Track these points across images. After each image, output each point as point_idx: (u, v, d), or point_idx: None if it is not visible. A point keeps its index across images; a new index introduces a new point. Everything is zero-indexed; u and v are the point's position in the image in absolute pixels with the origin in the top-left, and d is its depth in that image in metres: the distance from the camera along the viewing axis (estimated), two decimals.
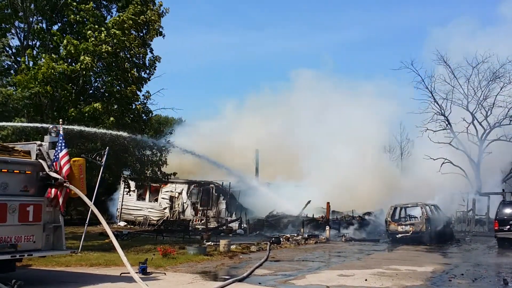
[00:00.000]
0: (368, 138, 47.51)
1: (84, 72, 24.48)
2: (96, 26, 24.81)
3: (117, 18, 25.30)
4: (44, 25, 26.91)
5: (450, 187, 39.93)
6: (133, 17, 25.43)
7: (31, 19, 26.33)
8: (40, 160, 14.48)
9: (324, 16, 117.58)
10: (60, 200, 14.23)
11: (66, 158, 14.49)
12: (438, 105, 48.06)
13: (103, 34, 24.45)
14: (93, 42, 24.22)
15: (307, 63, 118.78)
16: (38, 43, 26.80)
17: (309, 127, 53.48)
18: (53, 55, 24.66)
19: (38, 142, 15.05)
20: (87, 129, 22.71)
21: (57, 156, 14.47)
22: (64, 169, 14.31)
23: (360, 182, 42.59)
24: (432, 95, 48.47)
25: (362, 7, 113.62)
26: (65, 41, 24.32)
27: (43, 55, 24.90)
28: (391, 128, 55.25)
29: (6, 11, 25.90)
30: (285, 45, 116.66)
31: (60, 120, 16.58)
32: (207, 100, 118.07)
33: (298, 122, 56.03)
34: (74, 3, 25.03)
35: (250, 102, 66.86)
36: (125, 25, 25.07)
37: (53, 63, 23.64)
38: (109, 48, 24.39)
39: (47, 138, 15.13)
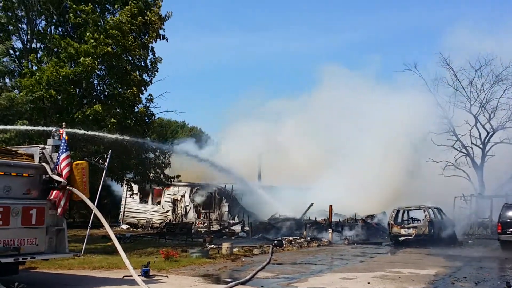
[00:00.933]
0: (373, 141, 47.40)
1: (85, 75, 24.55)
2: (95, 28, 24.88)
3: (115, 19, 25.35)
4: (49, 29, 27.03)
5: (452, 190, 39.82)
6: (129, 18, 25.45)
7: (35, 22, 26.44)
8: (43, 163, 14.47)
9: (325, 17, 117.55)
10: (62, 203, 14.22)
11: (67, 161, 14.47)
12: (441, 107, 48.00)
13: (102, 36, 24.50)
14: (93, 44, 24.28)
15: (309, 65, 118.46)
16: (41, 46, 26.90)
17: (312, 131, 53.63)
18: (55, 58, 24.73)
19: (41, 145, 15.05)
20: (90, 132, 22.74)
21: (59, 159, 14.48)
22: (64, 172, 14.30)
23: (364, 184, 42.49)
24: (435, 98, 48.41)
25: (363, 8, 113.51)
26: (62, 43, 24.39)
27: (47, 58, 25.00)
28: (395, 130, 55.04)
29: (10, 14, 26.00)
30: (286, 46, 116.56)
31: (63, 123, 16.60)
32: (209, 102, 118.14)
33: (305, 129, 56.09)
34: (74, 6, 25.08)
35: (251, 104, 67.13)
36: (123, 27, 25.12)
37: (57, 67, 23.71)
38: (109, 49, 24.46)
39: (50, 141, 15.15)
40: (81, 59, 23.89)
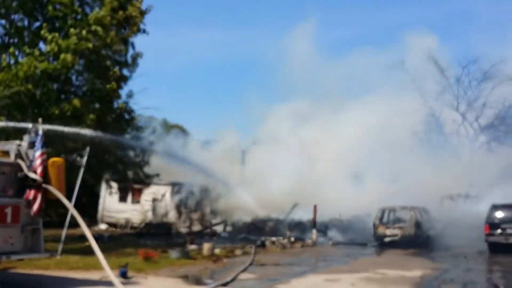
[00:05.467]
0: (357, 138, 47.24)
1: (65, 71, 24.08)
2: (78, 22, 24.47)
3: (97, 14, 24.96)
4: (26, 22, 26.47)
5: (439, 190, 39.67)
6: (110, 12, 25.10)
7: (13, 16, 25.89)
8: (19, 160, 14.08)
9: (316, 14, 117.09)
10: (37, 202, 13.79)
11: (41, 158, 14.06)
12: (428, 106, 48.11)
13: (84, 31, 24.08)
14: (74, 41, 23.82)
15: (299, 63, 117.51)
16: (18, 41, 26.33)
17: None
18: (35, 51, 24.23)
19: (17, 142, 14.66)
20: (67, 129, 22.26)
21: (35, 156, 14.06)
22: (39, 170, 13.87)
23: (347, 183, 42.37)
24: (423, 96, 48.51)
25: (354, 5, 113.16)
26: (50, 37, 23.89)
27: (27, 50, 24.45)
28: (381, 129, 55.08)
29: None
30: (277, 43, 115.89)
31: (40, 119, 16.11)
32: (192, 100, 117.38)
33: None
34: None
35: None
36: (104, 22, 24.74)
37: (36, 62, 23.22)
38: (90, 45, 24.03)
39: (26, 137, 14.69)
40: (62, 55, 23.42)
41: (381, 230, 31.55)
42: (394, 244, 30.32)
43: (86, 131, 22.74)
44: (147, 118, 41.12)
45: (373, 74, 58.88)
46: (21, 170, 13.92)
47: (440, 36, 59.61)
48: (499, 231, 26.89)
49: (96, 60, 25.07)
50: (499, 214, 27.52)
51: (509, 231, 26.77)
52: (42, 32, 24.24)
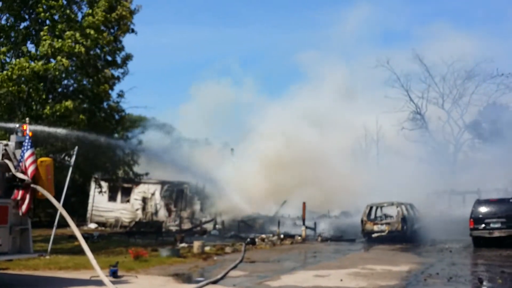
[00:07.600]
0: (343, 137, 47.39)
1: (57, 72, 24.02)
2: (72, 24, 24.40)
3: (92, 18, 24.90)
4: (13, 23, 26.35)
5: (425, 186, 39.86)
6: (104, 13, 25.08)
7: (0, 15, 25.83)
8: (6, 161, 14.00)
9: (305, 12, 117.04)
10: (26, 202, 13.78)
11: (32, 158, 14.03)
12: (414, 103, 48.26)
13: (77, 34, 24.02)
14: (68, 43, 23.75)
15: (287, 60, 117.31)
16: (5, 40, 26.23)
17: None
18: (31, 51, 24.23)
19: (4, 142, 14.57)
20: (54, 129, 22.23)
21: (23, 156, 14.04)
22: (30, 170, 13.85)
23: (335, 181, 42.44)
24: (408, 94, 48.65)
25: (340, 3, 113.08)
26: (45, 37, 23.82)
27: (24, 50, 24.38)
28: (366, 127, 55.04)
29: None
30: (265, 42, 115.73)
31: (27, 119, 16.10)
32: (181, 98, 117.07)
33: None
34: (44, 0, 24.53)
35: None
36: (96, 22, 24.71)
37: (28, 63, 23.16)
38: (83, 49, 23.95)
39: (13, 137, 14.63)
40: (58, 58, 23.37)
41: (369, 226, 31.73)
42: (382, 240, 30.51)
43: (73, 132, 22.73)
44: (136, 117, 41.16)
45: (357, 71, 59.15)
46: (8, 170, 13.87)
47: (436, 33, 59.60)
48: (483, 225, 27.14)
49: (86, 61, 25.04)
50: (483, 209, 27.76)
51: (492, 225, 27.08)
52: (42, 33, 24.20)
